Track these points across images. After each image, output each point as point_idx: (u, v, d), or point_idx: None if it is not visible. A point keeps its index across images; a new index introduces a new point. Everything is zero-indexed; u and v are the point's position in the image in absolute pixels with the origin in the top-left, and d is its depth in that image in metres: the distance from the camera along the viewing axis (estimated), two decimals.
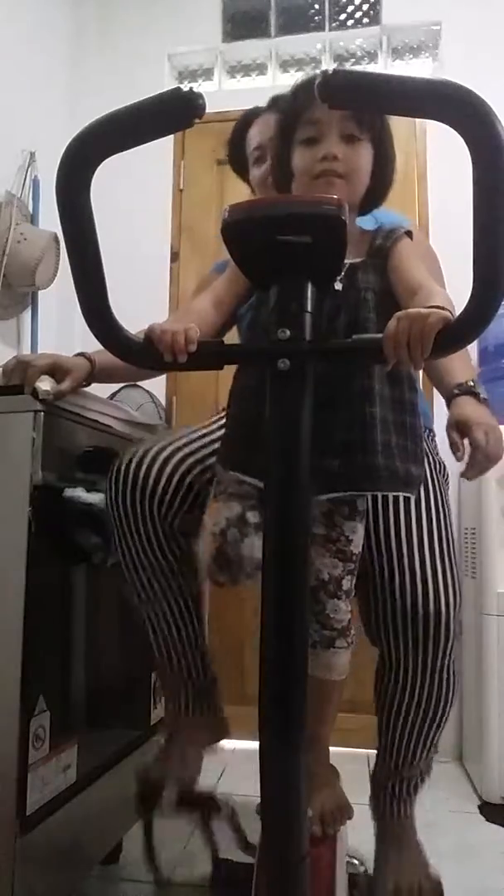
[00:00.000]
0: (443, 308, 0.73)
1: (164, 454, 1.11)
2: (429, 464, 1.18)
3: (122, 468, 1.10)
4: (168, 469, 1.09)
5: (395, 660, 1.09)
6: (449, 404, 1.16)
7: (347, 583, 1.01)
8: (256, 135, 1.39)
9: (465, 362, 1.27)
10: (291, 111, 1.01)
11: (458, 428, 1.09)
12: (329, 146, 0.97)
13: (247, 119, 1.43)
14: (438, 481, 1.18)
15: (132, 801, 1.44)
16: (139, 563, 1.13)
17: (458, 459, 1.09)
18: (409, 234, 1.04)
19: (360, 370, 0.95)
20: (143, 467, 1.09)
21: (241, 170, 1.48)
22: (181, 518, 1.11)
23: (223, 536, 0.97)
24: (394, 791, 1.15)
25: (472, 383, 1.16)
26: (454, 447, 1.08)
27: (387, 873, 1.13)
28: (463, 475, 1.11)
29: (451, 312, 0.73)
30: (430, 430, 1.29)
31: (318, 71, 0.99)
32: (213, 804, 1.14)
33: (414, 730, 1.11)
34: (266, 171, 1.36)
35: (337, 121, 0.97)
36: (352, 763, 1.19)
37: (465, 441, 1.08)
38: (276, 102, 1.32)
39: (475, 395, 1.15)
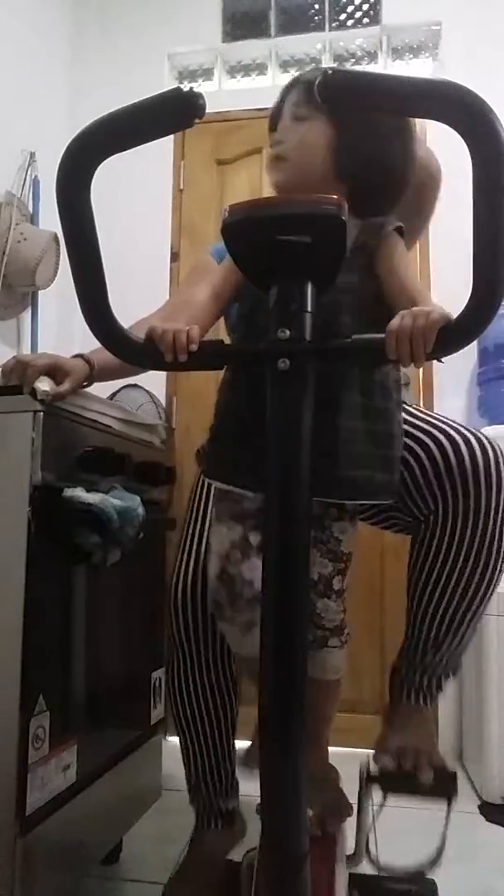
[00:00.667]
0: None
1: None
2: None
3: (180, 588, 1.16)
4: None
5: (441, 519, 1.05)
6: None
7: (338, 582, 1.01)
8: None
9: None
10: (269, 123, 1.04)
11: None
12: (277, 133, 0.99)
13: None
14: None
15: (132, 801, 1.44)
16: (195, 682, 1.19)
17: None
18: (398, 230, 0.98)
19: (331, 378, 0.92)
20: (200, 585, 1.14)
21: None
22: None
23: (227, 558, 0.99)
24: (414, 681, 1.11)
25: None
26: None
27: (392, 738, 1.08)
28: None
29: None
30: None
31: (305, 70, 1.02)
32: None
33: (452, 602, 1.06)
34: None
35: (289, 109, 0.98)
36: (352, 763, 1.18)
37: None
38: None
39: None
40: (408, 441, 1.06)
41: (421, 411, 1.15)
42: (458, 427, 1.08)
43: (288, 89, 1.01)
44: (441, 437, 1.06)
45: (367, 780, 1.05)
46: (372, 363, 0.94)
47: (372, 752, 1.10)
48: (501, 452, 1.06)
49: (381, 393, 0.97)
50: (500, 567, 1.07)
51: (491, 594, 1.08)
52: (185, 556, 1.21)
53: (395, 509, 1.09)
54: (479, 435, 1.07)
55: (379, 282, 0.96)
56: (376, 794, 1.04)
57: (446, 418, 1.12)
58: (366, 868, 1.15)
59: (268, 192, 1.48)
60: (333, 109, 0.93)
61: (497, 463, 1.04)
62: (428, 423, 1.09)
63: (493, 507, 1.03)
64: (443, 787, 1.01)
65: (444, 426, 1.08)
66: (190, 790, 1.29)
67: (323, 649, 1.01)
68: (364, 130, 0.94)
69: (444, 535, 1.05)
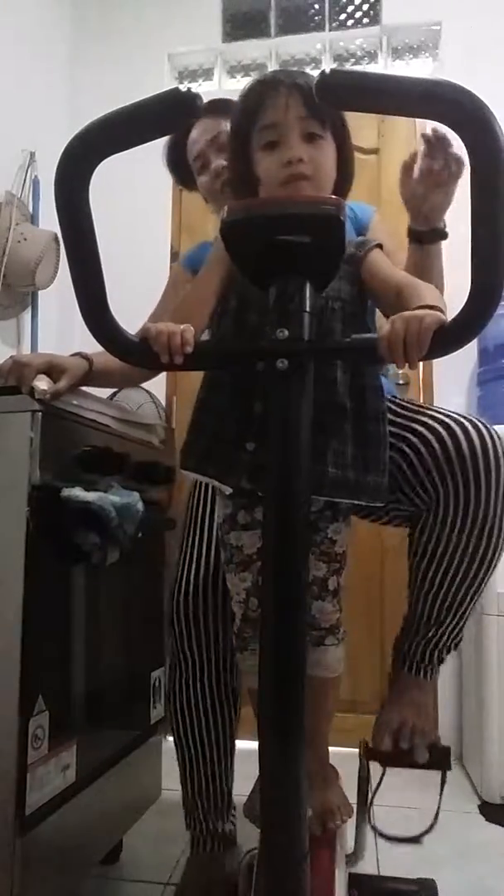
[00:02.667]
0: (435, 307, 0.75)
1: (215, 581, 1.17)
2: None
3: (182, 598, 1.18)
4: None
5: (442, 507, 1.06)
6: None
7: (333, 583, 1.01)
8: (195, 142, 1.39)
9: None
10: (243, 117, 0.98)
11: None
12: (292, 150, 0.93)
13: (181, 132, 1.43)
14: None
15: (132, 801, 1.44)
16: (199, 692, 1.21)
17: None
18: (379, 245, 1.04)
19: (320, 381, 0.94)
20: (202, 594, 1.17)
21: (187, 180, 1.47)
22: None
23: (246, 604, 1.02)
24: (415, 655, 1.14)
25: None
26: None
27: (391, 711, 1.13)
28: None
29: (442, 308, 0.76)
30: None
31: (265, 72, 0.99)
32: None
33: (453, 584, 1.08)
34: (212, 179, 1.35)
35: (296, 121, 0.94)
36: (352, 763, 1.18)
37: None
38: (212, 107, 1.31)
39: None
40: (405, 433, 1.07)
41: (415, 403, 1.16)
42: (453, 415, 1.09)
43: (281, 91, 0.95)
44: (438, 426, 1.07)
45: (366, 754, 1.14)
46: (370, 363, 0.95)
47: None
48: (498, 435, 1.07)
49: (373, 394, 0.98)
50: (501, 547, 1.08)
51: (492, 573, 1.10)
52: (187, 565, 1.21)
53: (395, 501, 1.10)
54: (474, 420, 1.07)
55: (363, 289, 1.01)
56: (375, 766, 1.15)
57: (440, 408, 1.13)
58: (366, 866, 1.15)
59: None
60: (334, 127, 0.97)
61: (495, 447, 1.05)
62: (424, 413, 1.10)
63: (492, 492, 1.04)
64: (437, 762, 1.11)
65: (439, 416, 1.09)
66: (186, 811, 1.29)
67: (319, 647, 1.01)
68: (349, 147, 1.01)
69: (445, 521, 1.06)
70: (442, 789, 1.12)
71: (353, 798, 1.12)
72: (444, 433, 1.05)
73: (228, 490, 1.00)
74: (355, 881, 1.13)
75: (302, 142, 0.94)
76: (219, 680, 1.19)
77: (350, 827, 1.12)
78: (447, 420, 1.07)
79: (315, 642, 1.01)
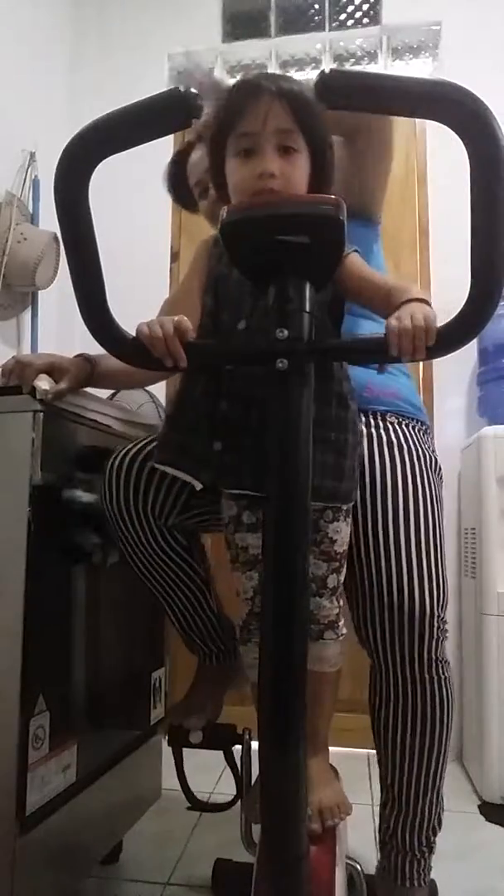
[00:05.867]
0: (423, 300, 0.78)
1: (148, 450, 1.13)
2: (421, 459, 1.18)
3: (113, 469, 1.13)
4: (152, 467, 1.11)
5: (383, 664, 1.10)
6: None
7: (333, 580, 1.02)
8: (196, 166, 1.38)
9: None
10: (222, 121, 0.94)
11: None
12: (265, 162, 0.89)
13: (182, 154, 1.46)
14: (430, 477, 1.18)
15: (132, 801, 1.44)
16: (141, 560, 1.18)
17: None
18: (356, 250, 1.01)
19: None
20: (132, 467, 1.12)
21: (188, 203, 1.46)
22: (177, 517, 1.13)
23: (252, 601, 1.03)
24: (404, 845, 1.14)
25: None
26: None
27: None
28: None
29: (429, 301, 0.79)
30: (424, 424, 1.26)
31: (244, 77, 0.96)
32: (235, 736, 1.23)
33: (414, 753, 1.10)
34: (212, 204, 1.32)
35: (273, 133, 0.90)
36: (352, 763, 1.19)
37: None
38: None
39: None
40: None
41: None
42: (414, 561, 1.09)
43: (263, 99, 0.90)
44: (394, 572, 1.08)
45: None
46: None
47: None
48: (444, 601, 1.11)
49: (338, 402, 1.00)
50: (451, 703, 1.11)
51: (449, 730, 1.12)
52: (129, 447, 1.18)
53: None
54: (433, 579, 1.09)
55: (339, 293, 1.01)
56: None
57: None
58: (366, 867, 1.15)
59: None
60: (313, 139, 0.92)
61: (437, 616, 1.08)
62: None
63: (432, 655, 1.08)
64: None
65: (401, 557, 1.09)
66: (184, 642, 1.32)
67: (318, 642, 1.02)
68: (327, 163, 0.96)
69: (388, 689, 1.10)
70: None
71: (352, 798, 1.12)
72: (394, 585, 1.08)
73: (199, 486, 1.03)
74: (354, 881, 1.13)
75: (276, 155, 0.90)
76: (160, 533, 1.16)
77: (350, 827, 1.12)
78: (404, 570, 1.09)
79: (314, 637, 1.02)
